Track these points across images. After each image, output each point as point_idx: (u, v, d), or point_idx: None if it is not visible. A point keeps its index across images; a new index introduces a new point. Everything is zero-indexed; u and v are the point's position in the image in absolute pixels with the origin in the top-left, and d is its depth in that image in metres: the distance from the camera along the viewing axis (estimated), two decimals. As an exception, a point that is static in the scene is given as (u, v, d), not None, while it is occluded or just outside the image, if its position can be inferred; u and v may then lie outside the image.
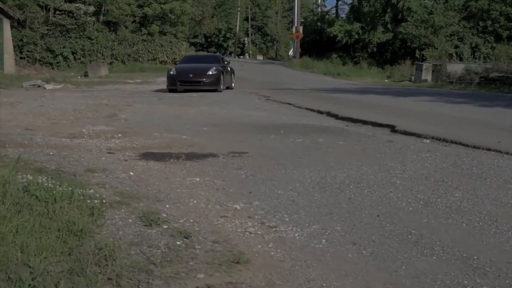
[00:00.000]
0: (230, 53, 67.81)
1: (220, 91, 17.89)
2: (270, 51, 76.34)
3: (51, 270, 2.87)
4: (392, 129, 8.93)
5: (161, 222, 3.79)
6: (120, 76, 27.13)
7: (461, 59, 33.55)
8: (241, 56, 69.00)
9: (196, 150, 6.96)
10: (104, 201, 4.09)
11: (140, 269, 3.00)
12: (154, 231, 3.65)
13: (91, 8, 34.55)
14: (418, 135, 8.16)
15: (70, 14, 33.82)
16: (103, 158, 6.29)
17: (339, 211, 4.28)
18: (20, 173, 4.30)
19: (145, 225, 3.74)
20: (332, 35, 42.98)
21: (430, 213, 4.20)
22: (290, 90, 19.24)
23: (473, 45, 36.90)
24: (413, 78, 28.75)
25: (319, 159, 6.46)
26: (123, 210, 4.05)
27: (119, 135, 8.10)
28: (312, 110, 12.18)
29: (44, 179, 4.11)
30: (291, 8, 73.28)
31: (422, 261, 3.26)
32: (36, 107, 11.77)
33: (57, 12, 33.73)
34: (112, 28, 35.85)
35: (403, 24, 39.19)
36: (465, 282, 2.97)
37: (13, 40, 29.14)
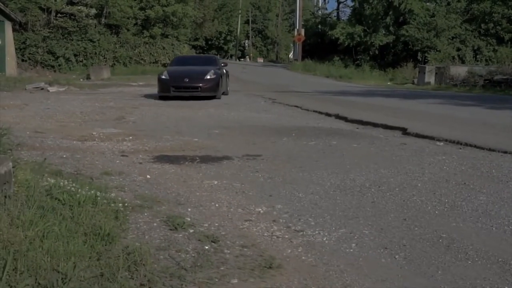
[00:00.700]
0: (231, 56, 67.74)
1: (218, 98, 15.93)
2: (270, 53, 76.30)
3: (82, 275, 2.80)
4: (404, 131, 8.86)
5: (186, 226, 3.73)
6: (122, 79, 27.05)
7: (463, 62, 33.55)
8: (242, 59, 68.95)
9: (210, 153, 6.90)
10: (126, 204, 4.03)
11: (172, 274, 2.94)
12: (181, 235, 3.58)
13: (93, 11, 34.41)
14: (431, 138, 8.08)
15: (72, 17, 33.68)
16: (117, 161, 6.23)
17: (365, 215, 4.22)
18: (39, 177, 4.23)
19: (170, 229, 3.68)
20: (333, 37, 42.96)
21: (457, 217, 4.13)
22: (295, 92, 19.18)
23: (475, 47, 36.92)
24: (415, 80, 28.66)
25: (336, 161, 6.40)
26: (146, 214, 3.99)
27: (130, 137, 8.03)
28: (320, 112, 12.10)
29: (66, 182, 4.04)
30: (292, 11, 73.43)
31: (458, 266, 3.19)
32: (43, 110, 11.70)
33: (59, 14, 33.58)
34: (114, 31, 35.77)
35: (405, 26, 39.20)
36: None
37: (15, 42, 29.03)
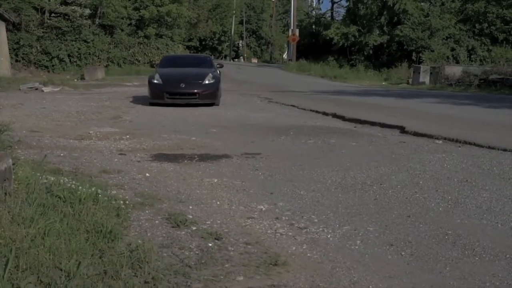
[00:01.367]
0: (225, 56, 67.62)
1: (217, 105, 13.76)
2: (264, 54, 76.18)
3: (85, 273, 2.74)
4: (402, 130, 8.83)
5: (189, 224, 3.68)
6: (117, 79, 26.89)
7: (457, 62, 33.60)
8: (236, 59, 68.80)
9: (208, 151, 6.85)
10: (127, 202, 3.97)
11: (176, 271, 2.89)
12: (183, 232, 3.53)
13: (87, 11, 34.22)
14: (430, 136, 8.06)
15: (66, 17, 33.49)
16: (115, 160, 6.17)
17: (368, 212, 4.18)
18: (39, 174, 4.17)
19: (172, 227, 3.63)
20: (328, 38, 42.90)
21: (461, 214, 4.10)
22: (291, 92, 19.13)
23: (470, 47, 36.95)
24: (410, 80, 28.68)
25: (335, 159, 6.36)
26: (147, 211, 3.94)
27: (127, 136, 7.97)
28: (317, 111, 12.06)
29: (66, 180, 3.98)
30: (286, 12, 73.39)
31: (466, 262, 3.16)
32: (39, 109, 11.61)
33: (53, 14, 33.39)
34: (108, 31, 35.59)
35: (399, 26, 39.20)
36: (515, 283, 2.87)
37: (8, 43, 28.84)
